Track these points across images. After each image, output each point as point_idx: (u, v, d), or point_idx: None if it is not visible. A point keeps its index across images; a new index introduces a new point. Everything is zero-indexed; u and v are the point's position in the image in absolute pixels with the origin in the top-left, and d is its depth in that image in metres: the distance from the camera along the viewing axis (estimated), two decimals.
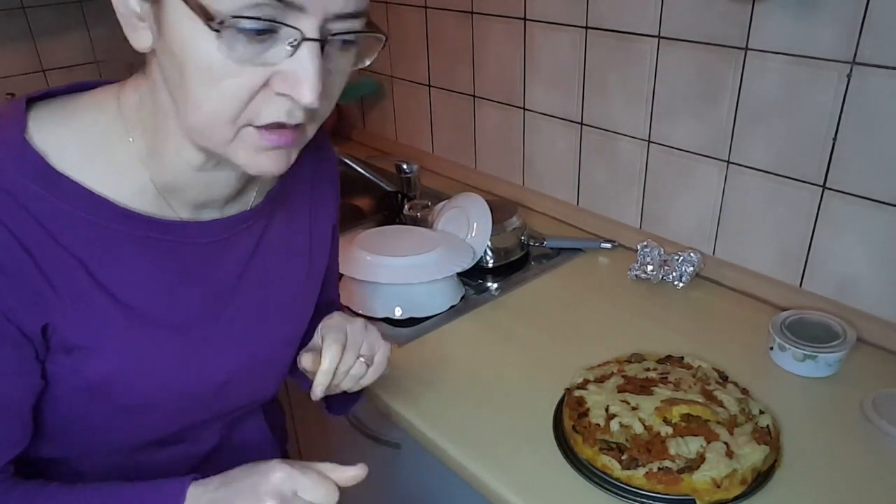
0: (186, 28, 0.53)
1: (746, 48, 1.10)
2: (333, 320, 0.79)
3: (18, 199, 0.58)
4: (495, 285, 1.31)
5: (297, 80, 0.54)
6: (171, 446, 0.77)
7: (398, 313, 1.19)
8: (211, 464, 0.81)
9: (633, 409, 0.89)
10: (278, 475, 0.62)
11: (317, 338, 0.78)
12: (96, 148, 0.62)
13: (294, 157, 0.63)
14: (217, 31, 0.51)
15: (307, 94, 0.54)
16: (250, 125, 0.57)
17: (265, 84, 0.55)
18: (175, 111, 0.59)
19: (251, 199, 0.73)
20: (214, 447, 0.82)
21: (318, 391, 0.74)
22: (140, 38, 0.57)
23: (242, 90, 0.55)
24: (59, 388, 0.64)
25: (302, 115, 0.58)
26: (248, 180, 0.70)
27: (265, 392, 0.83)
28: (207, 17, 0.51)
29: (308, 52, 0.54)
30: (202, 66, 0.54)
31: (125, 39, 0.58)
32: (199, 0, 0.51)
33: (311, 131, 0.62)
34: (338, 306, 0.93)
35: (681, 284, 1.24)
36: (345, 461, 0.65)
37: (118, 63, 1.94)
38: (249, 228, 0.73)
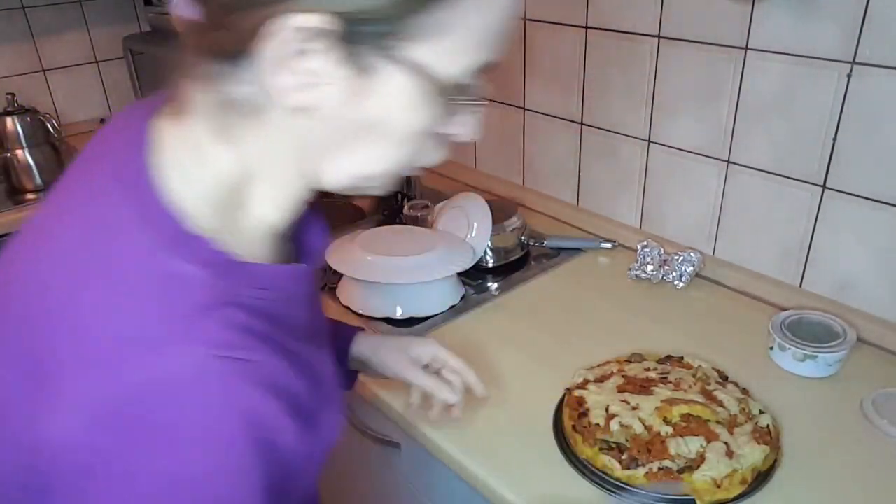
0: None
1: (746, 48, 1.10)
2: (414, 351, 0.87)
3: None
4: (495, 285, 1.31)
5: None
6: None
7: (398, 313, 1.19)
8: None
9: (633, 408, 0.89)
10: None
11: (405, 370, 0.85)
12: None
13: None
14: None
15: None
16: None
17: None
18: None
19: None
20: None
21: (460, 414, 0.87)
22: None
23: None
24: None
25: None
26: None
27: None
28: None
29: None
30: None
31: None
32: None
33: None
34: None
35: (681, 284, 1.24)
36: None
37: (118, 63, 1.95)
38: None
